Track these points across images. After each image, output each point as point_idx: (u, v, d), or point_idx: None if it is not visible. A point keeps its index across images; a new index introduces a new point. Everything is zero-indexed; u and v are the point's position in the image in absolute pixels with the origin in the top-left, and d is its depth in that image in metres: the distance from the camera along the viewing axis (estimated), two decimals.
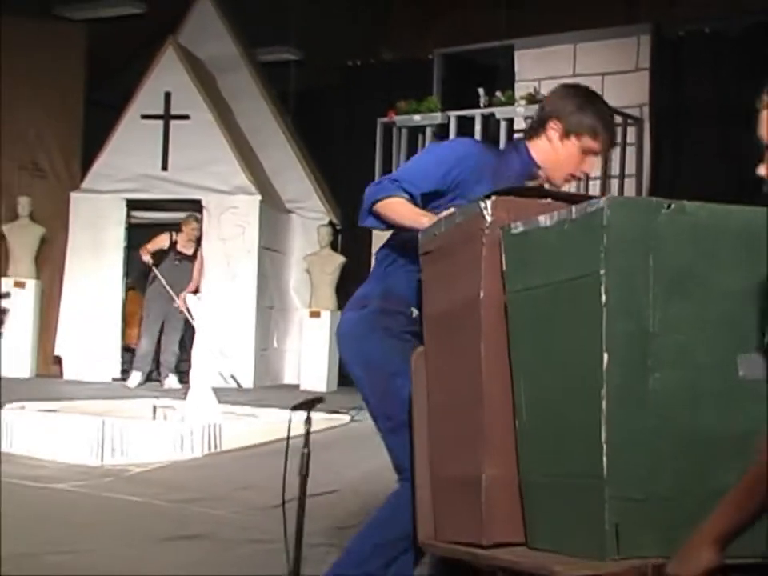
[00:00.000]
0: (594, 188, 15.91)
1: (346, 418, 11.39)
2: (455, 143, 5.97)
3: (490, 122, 16.33)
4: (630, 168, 16.46)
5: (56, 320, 18.21)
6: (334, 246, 17.72)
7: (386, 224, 5.21)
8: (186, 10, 18.81)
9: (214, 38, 18.78)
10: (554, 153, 5.39)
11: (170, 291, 15.88)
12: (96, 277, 17.88)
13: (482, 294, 4.29)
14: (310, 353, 17.42)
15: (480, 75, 17.54)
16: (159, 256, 16.61)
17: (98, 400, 13.91)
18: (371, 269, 5.66)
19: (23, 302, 17.92)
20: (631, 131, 16.56)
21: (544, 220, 4.09)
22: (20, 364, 17.78)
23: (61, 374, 17.94)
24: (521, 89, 16.36)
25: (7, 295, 17.69)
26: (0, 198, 18.32)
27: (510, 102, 16.08)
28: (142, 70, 18.06)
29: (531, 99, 15.92)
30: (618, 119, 16.23)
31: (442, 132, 16.90)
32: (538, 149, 5.42)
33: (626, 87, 16.59)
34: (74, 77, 19.00)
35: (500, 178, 5.19)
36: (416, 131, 17.29)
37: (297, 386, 17.16)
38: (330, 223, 18.02)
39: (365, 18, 18.72)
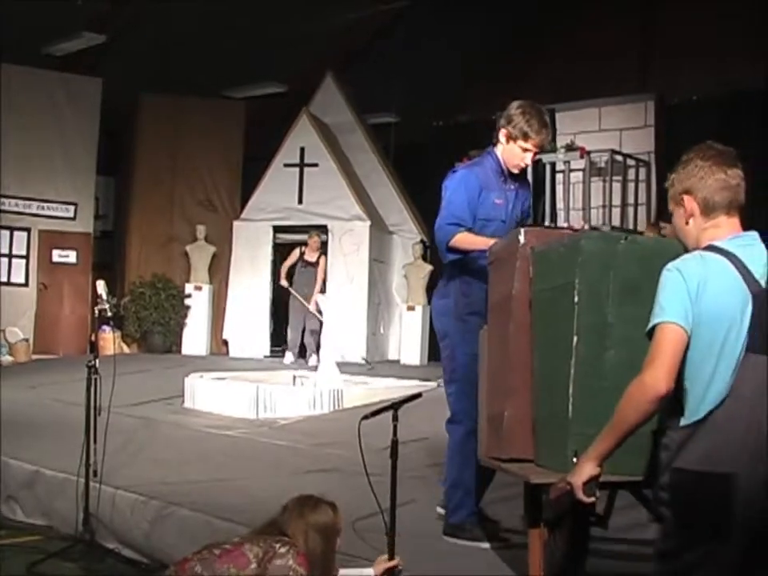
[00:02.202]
0: (616, 214, 15.88)
1: (433, 384, 11.38)
2: (460, 181, 5.83)
3: (538, 165, 16.20)
4: (642, 198, 16.36)
5: (224, 313, 18.44)
6: (424, 258, 17.66)
7: (464, 253, 5.72)
8: (316, 87, 18.88)
9: (335, 108, 18.86)
10: (506, 152, 5.83)
11: (303, 301, 15.86)
12: (252, 282, 18.08)
13: (514, 292, 4.79)
14: (408, 336, 17.48)
15: None
16: (293, 266, 16.70)
17: (254, 372, 13.99)
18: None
19: (201, 301, 18.32)
20: (642, 171, 16.46)
21: (553, 244, 4.59)
22: (199, 345, 18.14)
23: (227, 353, 18.15)
24: (561, 140, 16.24)
25: (189, 296, 18.03)
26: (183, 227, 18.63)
27: (553, 150, 15.97)
28: (283, 132, 18.24)
29: (569, 148, 15.81)
30: (632, 162, 16.21)
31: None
32: (499, 151, 5.87)
33: (638, 139, 16.50)
34: (236, 139, 19.28)
35: (489, 180, 5.82)
36: None
37: (398, 361, 17.23)
38: (422, 241, 17.94)
39: (446, 90, 18.70)
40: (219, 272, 18.65)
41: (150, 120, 18.76)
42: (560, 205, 16.12)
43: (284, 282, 16.36)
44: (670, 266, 3.38)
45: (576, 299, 4.18)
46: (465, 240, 5.67)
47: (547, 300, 4.56)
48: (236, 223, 18.32)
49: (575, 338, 4.17)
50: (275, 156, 18.20)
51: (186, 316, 18.20)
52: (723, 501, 3.18)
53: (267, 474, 7.93)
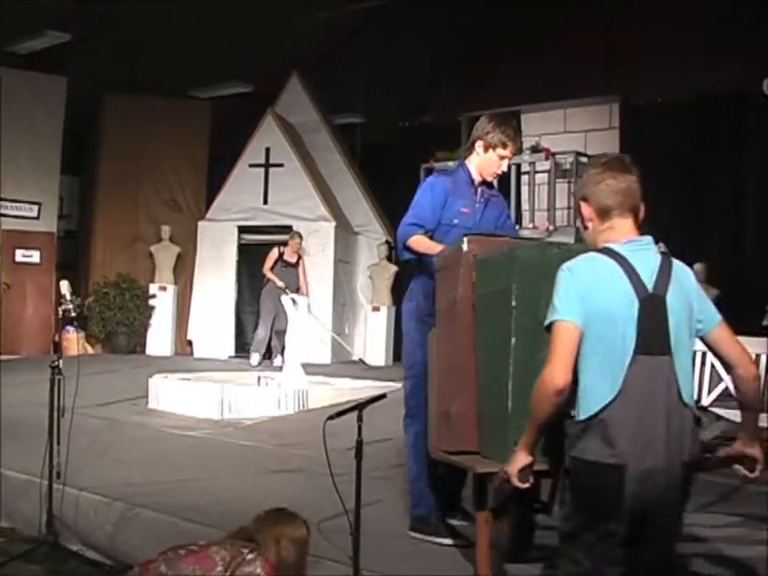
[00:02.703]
0: None
1: (398, 385, 11.38)
2: (426, 185, 6.13)
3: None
4: None
5: (188, 314, 18.39)
6: (389, 259, 17.66)
7: (417, 254, 5.97)
8: (281, 88, 18.88)
9: (301, 108, 18.84)
10: (484, 161, 6.05)
11: (294, 297, 15.58)
12: (216, 282, 18.06)
13: (458, 296, 5.13)
14: (373, 337, 17.54)
15: None
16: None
17: (219, 372, 14.00)
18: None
19: (165, 301, 18.28)
20: None
21: (494, 252, 4.96)
22: (163, 345, 18.09)
23: (192, 353, 18.10)
24: (526, 142, 16.27)
25: (154, 296, 17.98)
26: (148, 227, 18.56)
27: (518, 151, 16.03)
28: (249, 132, 18.23)
29: (534, 149, 15.84)
30: None
31: None
32: (473, 163, 6.10)
33: (602, 141, 16.54)
34: (201, 139, 19.22)
35: (457, 189, 6.04)
36: None
37: (363, 361, 17.30)
38: (387, 242, 17.94)
39: (413, 91, 18.73)
40: (184, 272, 18.60)
41: (115, 119, 18.67)
42: (525, 206, 16.17)
43: (280, 283, 15.93)
44: (564, 266, 3.73)
45: (513, 303, 4.57)
46: (419, 242, 5.91)
47: (488, 304, 4.92)
48: (201, 223, 18.29)
49: (513, 339, 4.57)
50: (240, 156, 18.19)
51: (150, 316, 18.15)
52: (614, 489, 3.55)
53: (232, 475, 7.92)
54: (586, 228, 3.87)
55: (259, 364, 15.85)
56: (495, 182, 6.37)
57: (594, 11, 16.57)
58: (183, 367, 14.60)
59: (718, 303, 3.88)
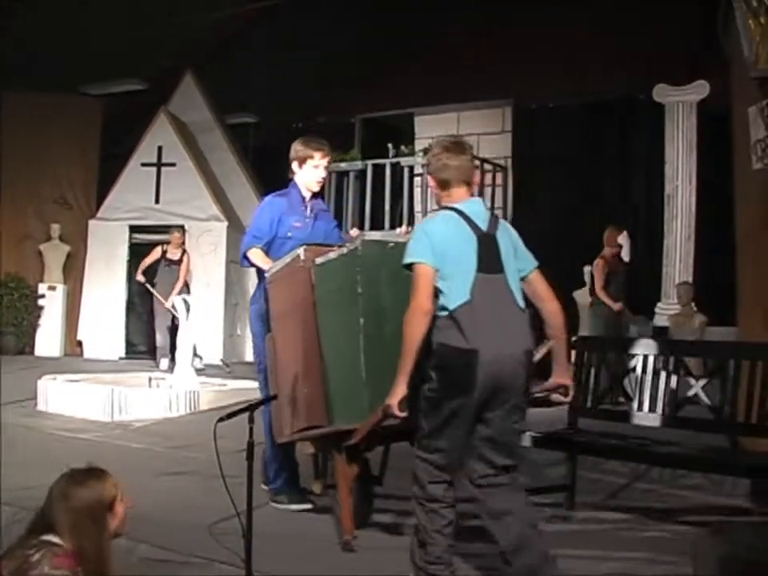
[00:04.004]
0: None
1: None
2: (264, 204, 7.24)
3: (396, 169, 16.29)
4: (498, 202, 16.61)
5: (78, 314, 18.12)
6: None
7: (253, 265, 6.99)
8: (175, 86, 18.75)
9: (194, 107, 18.73)
10: (303, 177, 7.10)
11: (160, 298, 15.50)
12: (107, 282, 17.83)
13: (301, 298, 6.06)
14: None
15: (389, 134, 17.55)
16: (155, 265, 16.29)
17: (109, 373, 13.84)
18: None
19: (54, 301, 17.99)
20: (499, 176, 16.72)
21: (332, 255, 5.92)
22: (52, 346, 17.81)
23: (82, 354, 17.84)
24: (419, 144, 16.38)
25: (43, 296, 17.73)
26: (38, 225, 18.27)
27: (411, 153, 16.09)
28: (141, 131, 18.08)
29: (427, 152, 15.96)
30: (489, 167, 16.47)
31: (361, 176, 16.85)
32: (299, 178, 7.13)
33: (495, 144, 16.74)
34: (93, 136, 18.90)
35: (291, 207, 7.05)
36: (342, 175, 17.13)
37: (226, 364, 17.09)
38: None
39: (307, 92, 18.73)
40: (74, 272, 18.33)
41: (5, 116, 18.33)
42: (418, 207, 16.28)
43: (140, 277, 15.85)
44: (419, 225, 5.19)
45: (360, 290, 5.60)
46: (255, 255, 6.95)
47: (333, 297, 5.88)
48: (92, 222, 18.06)
49: (362, 320, 5.56)
50: (132, 155, 18.02)
51: (39, 316, 17.90)
52: (471, 368, 4.63)
53: (122, 478, 7.65)
54: (435, 194, 5.16)
55: (169, 368, 15.68)
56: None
57: (488, 15, 16.72)
58: (73, 368, 14.41)
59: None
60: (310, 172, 7.06)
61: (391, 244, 5.66)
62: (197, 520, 6.15)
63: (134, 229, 17.91)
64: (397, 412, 4.82)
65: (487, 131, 16.90)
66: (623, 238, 13.55)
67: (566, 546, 5.73)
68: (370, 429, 5.39)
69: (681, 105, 14.89)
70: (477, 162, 16.05)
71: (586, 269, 15.17)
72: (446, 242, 4.80)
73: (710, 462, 6.45)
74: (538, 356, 5.16)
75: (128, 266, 17.78)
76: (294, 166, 7.10)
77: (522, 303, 4.86)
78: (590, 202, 16.34)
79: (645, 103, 15.45)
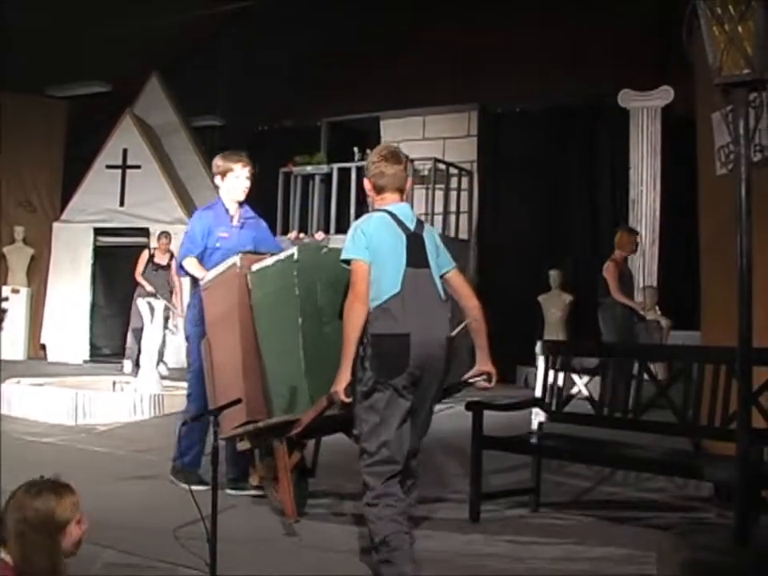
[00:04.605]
0: (438, 221, 16.10)
1: None
2: (194, 218, 7.80)
3: (362, 173, 16.21)
4: (464, 206, 16.66)
5: (42, 317, 18.03)
6: None
7: (189, 274, 7.46)
8: (140, 88, 18.70)
9: (159, 109, 18.68)
10: (227, 189, 7.59)
11: (171, 306, 15.15)
12: (71, 285, 17.77)
13: (238, 303, 6.47)
14: None
15: (355, 138, 17.58)
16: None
17: (73, 376, 13.74)
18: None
19: (18, 304, 17.87)
20: (465, 180, 16.77)
21: (269, 262, 6.34)
22: (16, 349, 17.66)
23: (45, 357, 17.76)
24: None
25: (6, 299, 17.60)
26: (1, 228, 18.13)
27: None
28: (106, 133, 18.00)
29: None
30: (455, 171, 16.52)
31: (327, 179, 16.88)
32: (222, 192, 7.63)
33: (461, 148, 16.83)
34: (57, 138, 18.83)
35: (217, 219, 7.52)
36: (307, 178, 17.21)
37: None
38: None
39: (272, 95, 18.71)
40: (38, 274, 18.24)
41: None
42: None
43: (149, 287, 15.48)
44: (354, 224, 5.40)
45: (297, 293, 5.97)
46: (190, 264, 7.43)
47: (271, 300, 6.27)
48: (56, 225, 18.00)
49: (300, 320, 5.94)
50: (97, 157, 17.97)
51: (2, 320, 17.76)
52: (403, 351, 5.10)
53: (86, 482, 7.63)
54: (369, 197, 5.62)
55: (133, 372, 15.57)
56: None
57: (455, 20, 16.77)
58: (37, 372, 14.34)
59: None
60: (232, 183, 7.54)
61: (325, 250, 6.18)
62: (161, 524, 6.13)
63: (98, 231, 17.86)
64: (343, 397, 5.22)
65: (453, 135, 17.00)
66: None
67: (531, 547, 5.75)
68: (314, 417, 5.74)
69: (645, 110, 15.02)
70: (410, 171, 16.18)
71: (551, 272, 15.26)
72: (380, 240, 5.27)
73: (673, 465, 6.48)
74: (453, 333, 5.46)
75: (92, 269, 17.71)
76: (217, 180, 7.63)
77: (443, 295, 5.40)
78: (556, 206, 16.42)
79: (610, 108, 15.54)
